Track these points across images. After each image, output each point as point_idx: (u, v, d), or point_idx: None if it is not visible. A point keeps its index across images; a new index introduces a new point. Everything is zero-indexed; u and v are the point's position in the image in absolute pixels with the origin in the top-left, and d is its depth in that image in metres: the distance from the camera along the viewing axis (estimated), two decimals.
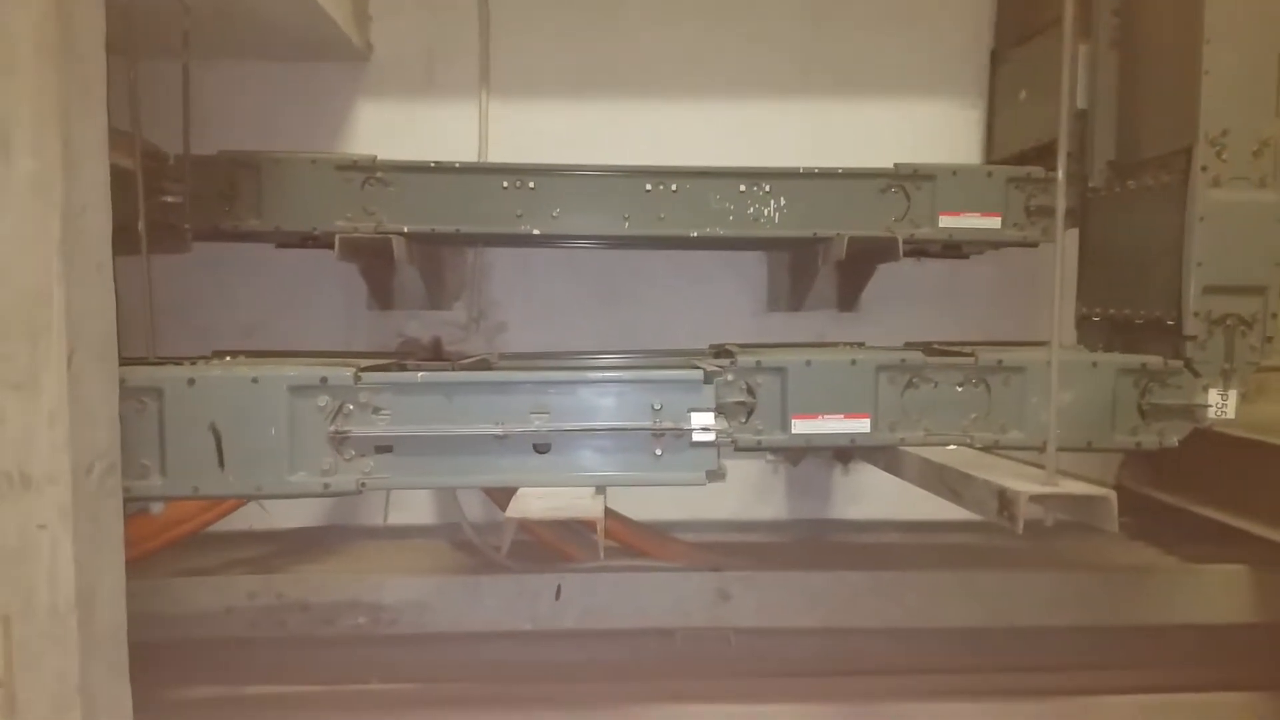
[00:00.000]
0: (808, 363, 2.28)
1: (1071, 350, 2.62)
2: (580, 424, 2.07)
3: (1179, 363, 2.34)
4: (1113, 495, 1.85)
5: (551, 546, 2.92)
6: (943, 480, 2.11)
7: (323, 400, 2.08)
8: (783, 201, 2.85)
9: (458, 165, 2.77)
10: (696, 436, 2.03)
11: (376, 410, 2.07)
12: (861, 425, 2.29)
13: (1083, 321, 2.85)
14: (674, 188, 2.82)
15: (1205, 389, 2.31)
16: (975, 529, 3.38)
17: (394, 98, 3.36)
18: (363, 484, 2.08)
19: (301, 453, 2.10)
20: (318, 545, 3.27)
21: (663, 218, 2.82)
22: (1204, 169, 2.27)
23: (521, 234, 2.79)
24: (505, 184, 2.77)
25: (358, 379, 2.07)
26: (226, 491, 2.11)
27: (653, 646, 2.86)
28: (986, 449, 2.34)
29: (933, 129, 3.52)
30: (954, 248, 3.07)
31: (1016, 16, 3.31)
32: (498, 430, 2.04)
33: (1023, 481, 1.93)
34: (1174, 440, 2.33)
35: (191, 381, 2.06)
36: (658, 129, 3.45)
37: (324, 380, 2.08)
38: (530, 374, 2.13)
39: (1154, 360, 2.33)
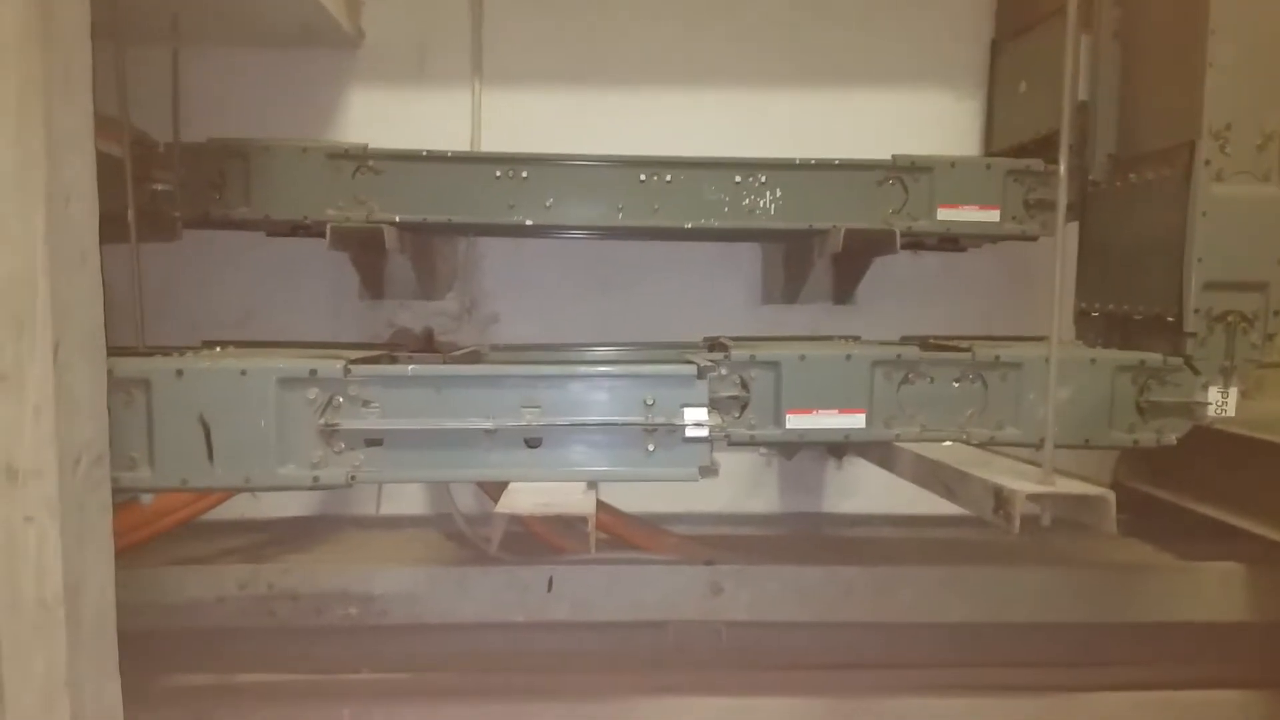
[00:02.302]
0: (802, 357, 2.26)
1: (1069, 346, 2.60)
2: (571, 419, 2.05)
3: (1178, 360, 2.32)
4: (1111, 495, 1.83)
5: (543, 539, 2.91)
6: (938, 477, 2.09)
7: (312, 393, 2.06)
8: (778, 193, 2.83)
9: (450, 154, 2.74)
10: (689, 432, 2.00)
11: (366, 403, 2.05)
12: (856, 420, 2.27)
13: (1081, 317, 2.83)
14: (668, 178, 2.79)
15: (1205, 386, 2.29)
16: (968, 524, 3.35)
17: (385, 85, 3.32)
18: (352, 477, 2.05)
19: (291, 445, 2.08)
20: (309, 535, 3.25)
21: (657, 209, 2.80)
22: (1207, 163, 2.24)
23: (514, 224, 2.77)
24: (498, 173, 2.74)
25: (347, 372, 2.05)
26: (215, 484, 2.09)
27: (644, 639, 2.86)
28: (982, 445, 2.33)
29: (931, 120, 3.49)
30: (951, 241, 3.05)
31: (1017, 7, 3.27)
32: (488, 424, 2.02)
33: (1019, 480, 1.91)
34: (1173, 438, 2.32)
35: (180, 373, 2.03)
36: (652, 118, 3.42)
37: (313, 373, 2.05)
38: (521, 368, 2.11)
39: (1153, 357, 2.31)
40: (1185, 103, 2.32)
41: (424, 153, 2.71)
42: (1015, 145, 3.16)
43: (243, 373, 2.06)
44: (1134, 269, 2.55)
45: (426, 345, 3.35)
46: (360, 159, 2.68)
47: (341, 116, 3.32)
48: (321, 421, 2.04)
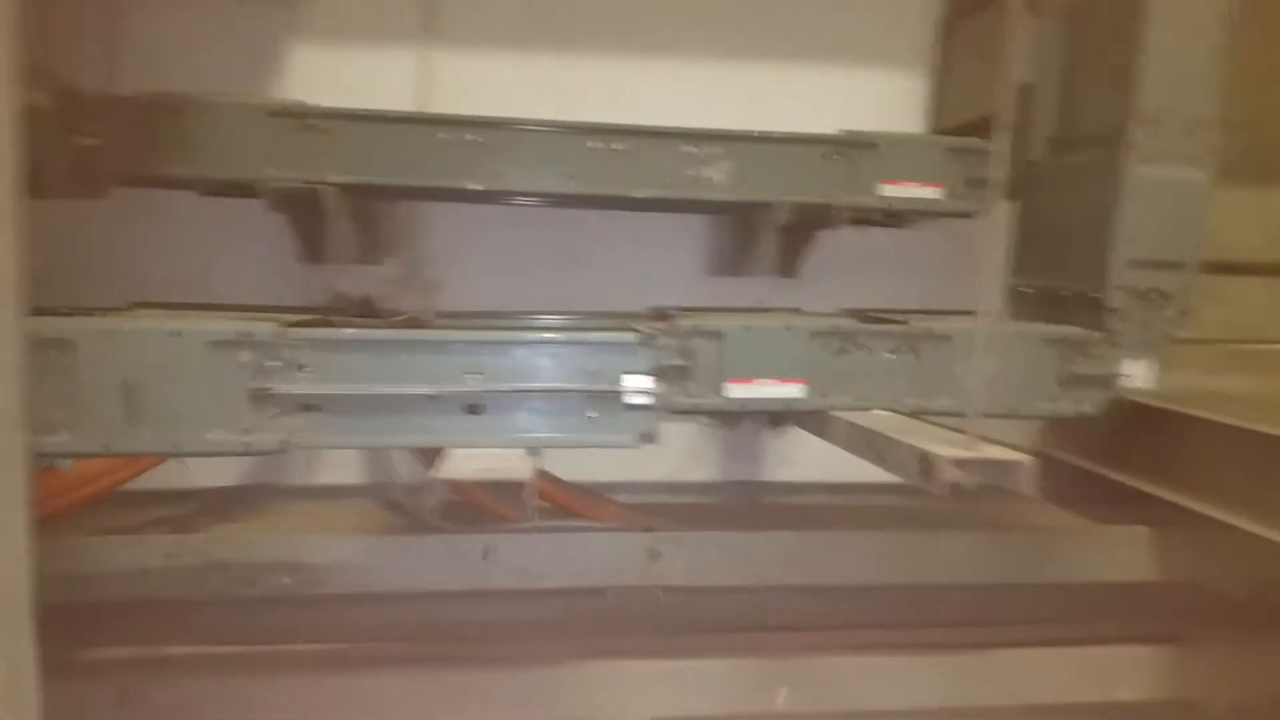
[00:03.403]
0: (745, 328, 2.28)
1: (999, 321, 2.66)
2: (514, 385, 2.04)
3: (1100, 334, 2.40)
4: (1030, 460, 1.91)
5: (484, 508, 2.89)
6: (869, 444, 2.14)
7: (245, 356, 2.01)
8: (728, 164, 2.83)
9: (395, 115, 2.68)
10: (630, 399, 2.02)
11: (302, 367, 2.01)
12: (796, 390, 2.30)
13: (1015, 293, 2.90)
14: (619, 147, 2.77)
15: (1125, 360, 2.38)
16: (901, 491, 3.41)
17: (331, 41, 3.22)
18: (286, 443, 2.02)
19: (221, 410, 2.03)
20: (240, 504, 3.18)
21: (608, 177, 2.77)
22: (1136, 146, 2.31)
23: (461, 189, 2.72)
24: (445, 136, 2.69)
25: (282, 334, 2.00)
26: (140, 448, 2.04)
27: (584, 606, 2.88)
28: (915, 414, 2.38)
29: (881, 97, 3.52)
30: (895, 217, 3.09)
31: None
32: (429, 390, 2.00)
33: (945, 446, 1.97)
34: (1093, 409, 2.40)
35: (106, 334, 1.97)
36: (606, 85, 3.38)
37: (247, 335, 2.00)
38: (464, 333, 2.09)
39: (1076, 331, 2.40)
40: (1122, 87, 2.37)
41: (368, 112, 2.64)
42: (961, 124, 3.20)
43: (173, 334, 2.00)
44: (1065, 247, 2.62)
45: (366, 311, 3.30)
46: (302, 117, 2.61)
47: (284, 72, 3.21)
48: (254, 385, 2.00)
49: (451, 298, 3.41)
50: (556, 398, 2.05)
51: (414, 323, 2.58)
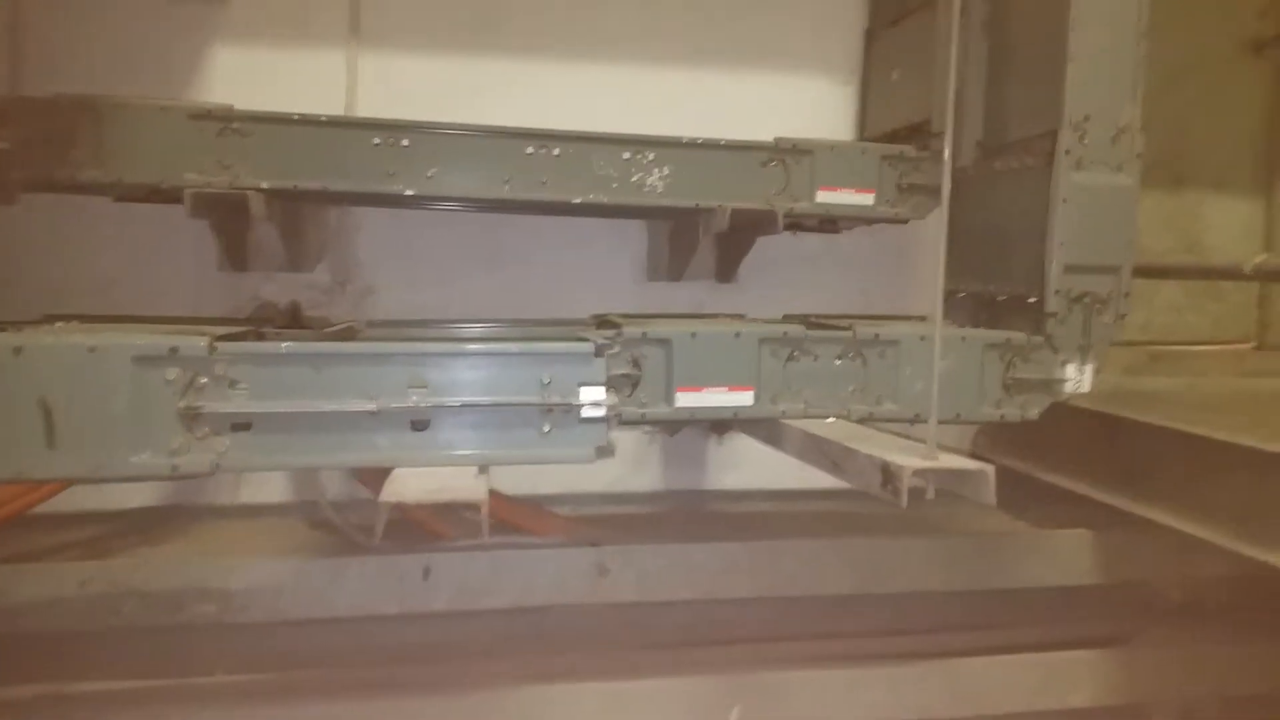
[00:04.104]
0: (693, 335, 2.26)
1: (942, 326, 2.68)
2: (462, 399, 1.96)
3: (1040, 339, 2.45)
4: (990, 469, 1.92)
5: (422, 525, 2.81)
6: (824, 453, 2.14)
7: (172, 373, 1.88)
8: (666, 170, 2.80)
9: (324, 118, 2.57)
10: (586, 412, 1.96)
11: (234, 384, 1.90)
12: (745, 398, 2.29)
13: (949, 298, 2.93)
14: (556, 152, 2.72)
15: (1064, 364, 2.43)
16: (845, 497, 3.45)
17: (255, 43, 3.09)
18: (217, 465, 1.90)
19: (147, 431, 1.90)
20: (160, 527, 3.02)
21: (544, 182, 2.72)
22: (1068, 152, 2.36)
23: (394, 194, 2.63)
24: (377, 140, 2.59)
25: (212, 349, 1.89)
26: (58, 474, 1.90)
27: (528, 625, 2.81)
28: (862, 421, 2.39)
29: (810, 105, 3.56)
30: (830, 222, 3.12)
31: None
32: (371, 406, 1.91)
33: (904, 455, 1.97)
34: (1035, 413, 2.45)
35: (18, 350, 1.82)
36: (538, 89, 3.34)
37: (174, 350, 1.88)
38: (406, 345, 2.00)
39: (1018, 336, 2.44)
40: (1048, 94, 2.43)
41: (295, 115, 2.53)
42: (888, 131, 3.26)
43: (92, 350, 1.86)
44: (998, 252, 2.67)
45: (293, 321, 3.17)
46: (225, 120, 2.48)
47: (207, 75, 3.07)
48: (183, 404, 1.88)
49: (383, 306, 3.31)
50: (508, 411, 1.97)
51: (349, 333, 2.48)
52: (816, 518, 3.34)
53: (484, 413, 1.97)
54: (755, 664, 2.83)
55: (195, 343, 1.89)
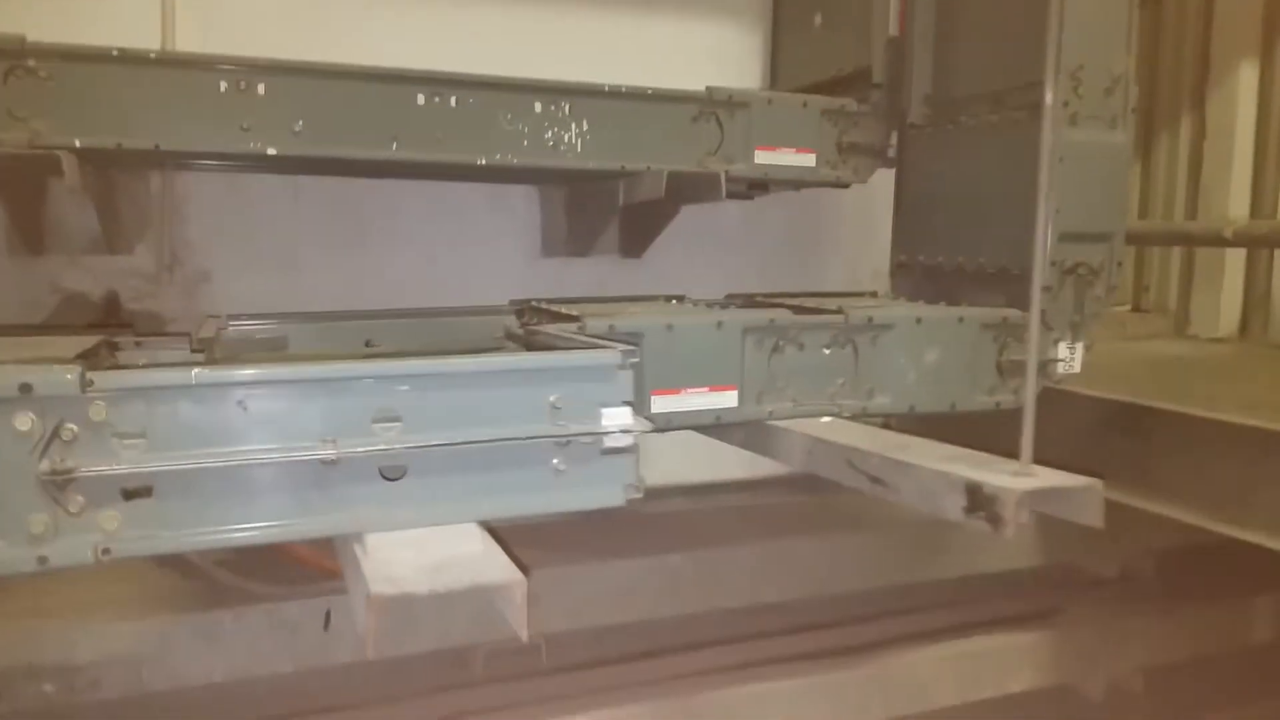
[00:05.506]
0: (669, 326, 1.85)
1: (913, 305, 2.39)
2: (447, 434, 1.44)
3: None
4: (1098, 483, 1.63)
5: (308, 562, 2.28)
6: (853, 465, 1.79)
7: (24, 421, 1.28)
8: (585, 126, 2.37)
9: (154, 55, 1.97)
10: (610, 441, 1.49)
11: (121, 435, 1.32)
12: (728, 399, 1.91)
13: (899, 269, 2.69)
14: (454, 101, 2.22)
15: (1056, 342, 2.20)
16: (763, 489, 3.22)
17: None
18: (106, 549, 1.32)
19: None
20: None
21: (441, 139, 2.22)
22: (1065, 105, 2.10)
23: (251, 153, 2.06)
24: (224, 85, 2.01)
25: (86, 382, 1.30)
26: None
27: (453, 667, 2.38)
28: (855, 417, 2.08)
29: (711, 52, 3.20)
30: (761, 186, 2.79)
31: None
32: (328, 452, 1.37)
33: (992, 473, 1.64)
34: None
35: None
36: (402, 27, 2.79)
37: (26, 389, 1.27)
38: (371, 365, 1.45)
39: (1014, 314, 2.17)
40: (1027, 41, 2.16)
41: (115, 51, 1.90)
42: (809, 85, 2.93)
43: None
44: (965, 218, 2.42)
45: (109, 316, 2.51)
46: (16, 57, 1.81)
47: None
48: (45, 466, 1.29)
49: (222, 294, 2.68)
50: (510, 448, 1.48)
51: (208, 343, 1.89)
52: (742, 513, 3.05)
53: (477, 452, 1.46)
54: (693, 684, 2.53)
55: (57, 376, 1.29)
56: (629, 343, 1.74)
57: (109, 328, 1.97)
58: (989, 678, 2.76)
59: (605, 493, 1.56)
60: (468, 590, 1.28)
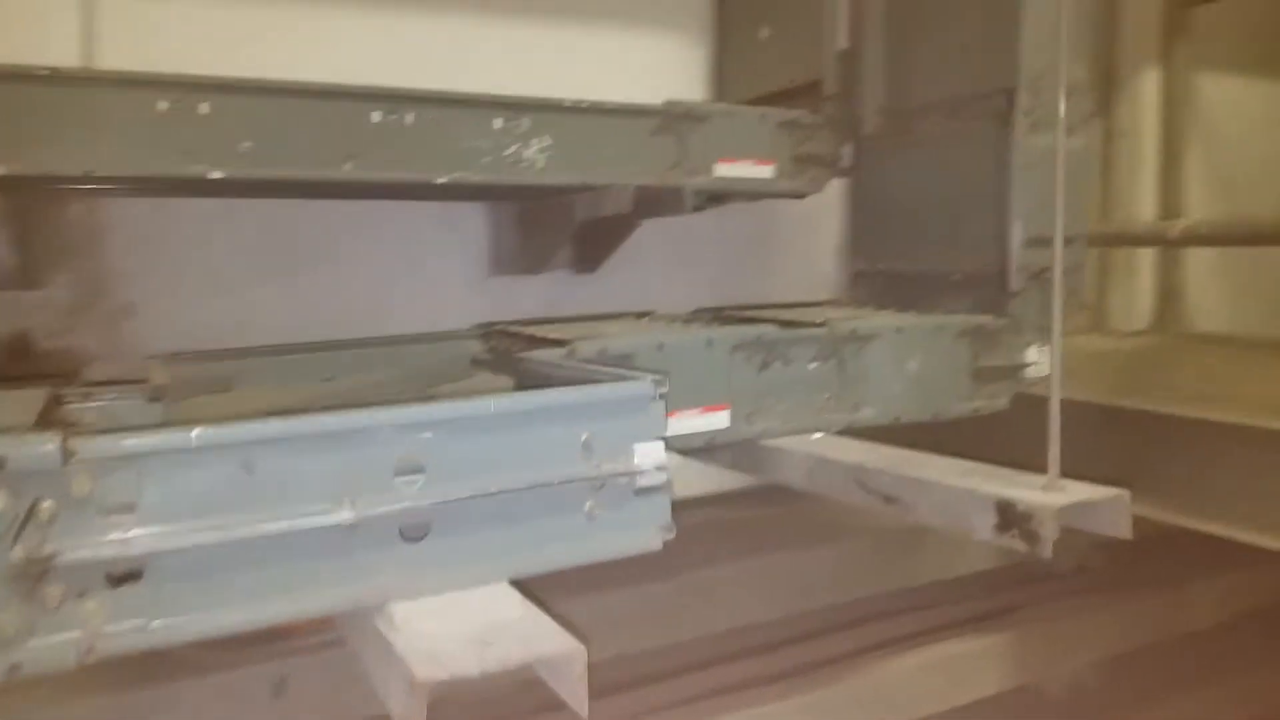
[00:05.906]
0: (660, 346, 1.78)
1: (887, 314, 2.39)
2: (475, 483, 1.30)
3: (1005, 321, 2.23)
4: (1126, 494, 1.63)
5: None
6: (864, 484, 1.75)
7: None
8: (547, 141, 2.28)
9: (86, 74, 1.79)
10: (644, 480, 1.38)
11: (108, 511, 1.14)
12: (720, 420, 1.85)
13: (859, 277, 2.69)
14: (411, 119, 2.10)
15: (1026, 346, 2.23)
16: (712, 504, 3.16)
17: None
18: (90, 648, 1.13)
19: None
20: None
21: (397, 158, 2.10)
22: (1026, 114, 2.14)
23: (193, 176, 1.89)
24: (165, 104, 1.84)
25: (69, 452, 1.11)
26: None
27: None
28: (842, 432, 2.05)
29: (653, 66, 3.14)
30: (716, 199, 2.74)
31: None
32: (347, 514, 1.21)
33: (1020, 488, 1.61)
34: (1004, 402, 2.23)
35: None
36: (321, 41, 2.64)
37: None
38: (389, 410, 1.28)
39: (988, 320, 2.19)
40: (991, 50, 2.19)
41: (44, 70, 1.71)
42: (758, 97, 2.91)
43: None
44: (926, 226, 2.43)
45: (18, 356, 2.28)
46: None
47: None
48: (20, 555, 1.10)
49: (148, 329, 2.47)
50: (541, 495, 1.35)
51: (159, 389, 1.71)
52: (719, 532, 2.98)
53: (504, 501, 1.32)
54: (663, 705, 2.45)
55: (33, 447, 1.09)
56: (620, 365, 1.67)
57: (51, 378, 1.76)
58: (964, 685, 2.77)
59: (640, 537, 1.45)
60: (523, 666, 1.16)
